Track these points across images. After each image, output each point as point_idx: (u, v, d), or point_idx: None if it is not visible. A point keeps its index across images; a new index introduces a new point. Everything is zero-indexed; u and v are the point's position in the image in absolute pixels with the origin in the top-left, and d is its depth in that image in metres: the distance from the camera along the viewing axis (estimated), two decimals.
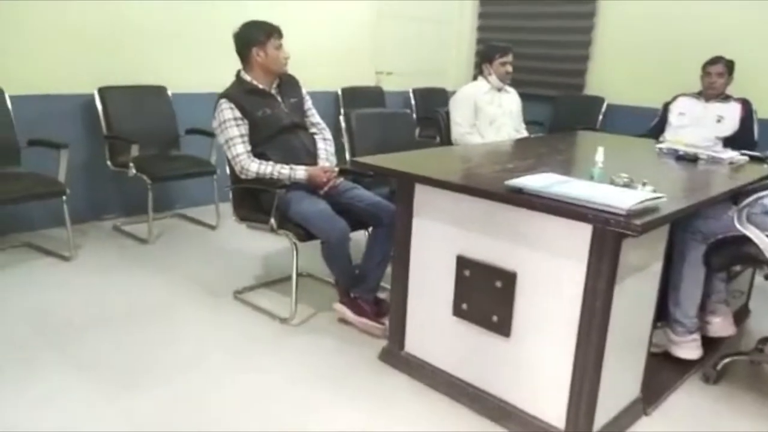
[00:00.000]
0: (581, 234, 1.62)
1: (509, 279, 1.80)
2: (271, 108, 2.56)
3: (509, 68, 3.51)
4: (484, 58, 3.59)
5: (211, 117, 2.54)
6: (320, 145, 2.73)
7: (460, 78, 5.93)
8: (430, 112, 5.40)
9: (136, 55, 3.77)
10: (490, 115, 3.49)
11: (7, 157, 3.14)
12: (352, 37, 4.99)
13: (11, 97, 3.19)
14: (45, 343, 2.28)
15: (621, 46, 5.00)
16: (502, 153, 2.73)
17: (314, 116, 2.78)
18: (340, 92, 4.93)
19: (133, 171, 3.41)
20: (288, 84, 2.67)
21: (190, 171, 3.68)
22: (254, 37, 2.52)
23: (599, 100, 5.10)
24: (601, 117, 5.06)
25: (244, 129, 2.51)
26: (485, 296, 1.88)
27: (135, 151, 3.37)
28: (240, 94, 2.52)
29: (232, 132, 2.49)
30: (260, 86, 2.57)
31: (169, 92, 3.87)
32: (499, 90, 3.58)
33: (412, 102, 5.41)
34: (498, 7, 5.74)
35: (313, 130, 2.77)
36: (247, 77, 2.57)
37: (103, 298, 2.71)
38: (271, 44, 2.52)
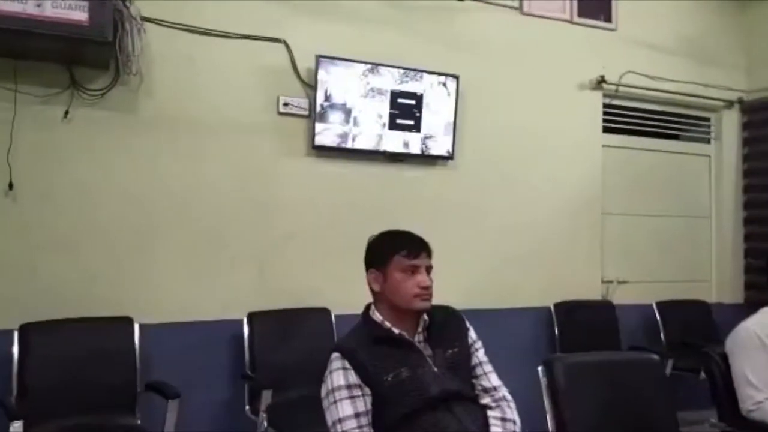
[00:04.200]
0: None
1: None
2: (410, 367, 1.57)
3: None
4: None
5: None
6: (495, 430, 1.60)
7: (725, 288, 4.37)
8: (687, 336, 3.96)
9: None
10: None
11: (122, 406, 2.55)
12: (571, 236, 3.89)
13: (143, 327, 2.72)
14: None
15: None
16: None
17: (486, 377, 1.70)
18: (552, 309, 3.77)
19: (264, 425, 2.59)
20: (444, 326, 1.69)
21: None
22: (372, 255, 1.68)
23: None
24: None
25: (364, 404, 1.54)
26: None
27: (268, 397, 2.58)
28: (364, 344, 1.60)
29: (344, 410, 1.52)
30: (395, 331, 1.63)
31: (333, 314, 3.16)
32: None
33: (658, 319, 3.98)
34: None
35: (485, 400, 1.67)
36: (377, 316, 1.66)
37: None
38: (395, 265, 1.63)
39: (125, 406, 2.56)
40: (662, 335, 3.95)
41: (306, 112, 3.20)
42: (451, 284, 3.34)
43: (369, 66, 3.24)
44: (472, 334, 1.73)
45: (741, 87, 4.38)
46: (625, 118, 4.16)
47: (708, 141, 4.50)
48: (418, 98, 3.36)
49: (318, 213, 3.24)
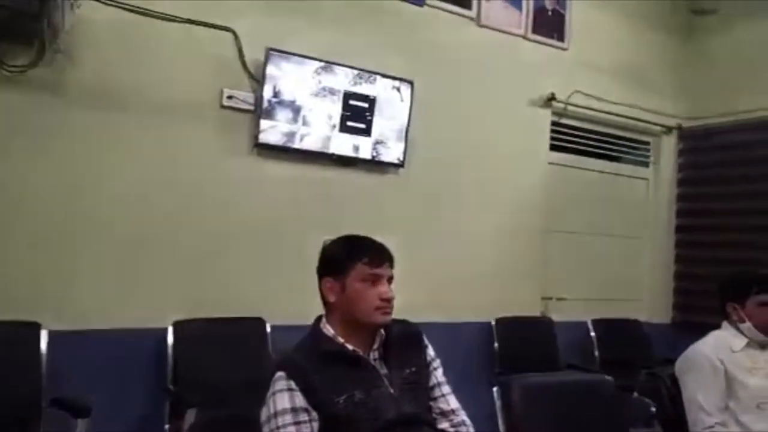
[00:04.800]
0: None
1: None
2: (365, 389, 1.42)
3: None
4: (729, 294, 2.23)
5: None
6: None
7: (656, 307, 4.48)
8: (620, 353, 4.02)
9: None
10: (753, 391, 2.03)
11: (22, 424, 2.24)
12: (515, 251, 3.85)
13: (52, 334, 2.41)
14: None
15: None
16: None
17: (445, 399, 1.57)
18: (493, 324, 3.70)
19: None
20: (401, 343, 1.55)
21: None
22: (329, 262, 1.52)
23: None
24: None
25: (311, 430, 1.37)
26: None
27: (192, 416, 2.35)
28: (312, 361, 1.43)
29: None
30: (349, 347, 1.47)
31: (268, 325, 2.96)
32: (764, 347, 2.14)
33: (592, 335, 4.00)
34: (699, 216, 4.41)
35: (443, 424, 1.54)
36: (329, 330, 1.50)
37: None
38: (355, 274, 1.48)
39: (26, 425, 2.25)
40: (596, 352, 3.98)
41: (251, 107, 3.00)
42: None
43: (322, 64, 3.08)
44: (431, 352, 1.60)
45: (680, 114, 4.52)
46: (572, 137, 4.19)
47: (647, 164, 4.62)
48: (371, 101, 3.24)
49: (258, 216, 3.03)
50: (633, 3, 4.32)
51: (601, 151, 4.37)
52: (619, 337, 4.07)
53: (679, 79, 4.53)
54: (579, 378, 1.92)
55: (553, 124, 4.04)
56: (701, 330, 4.33)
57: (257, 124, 2.96)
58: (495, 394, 1.81)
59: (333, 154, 3.16)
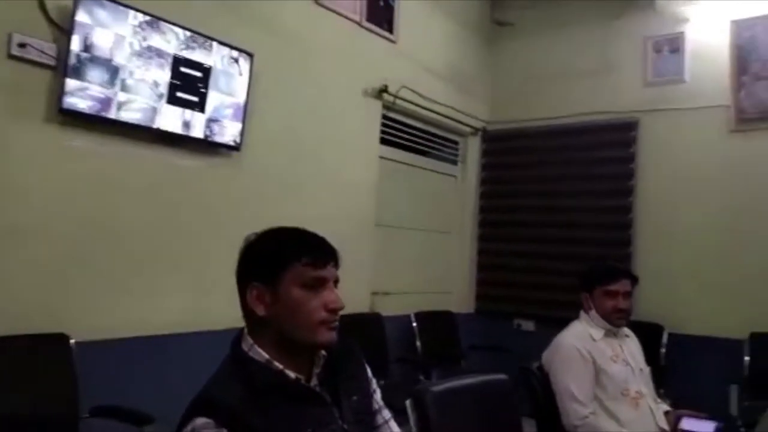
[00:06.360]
0: None
1: None
2: (317, 428, 1.10)
3: (622, 303, 2.28)
4: (583, 285, 2.36)
5: None
6: None
7: (464, 298, 4.75)
8: (440, 345, 4.15)
9: None
10: (616, 378, 2.17)
11: None
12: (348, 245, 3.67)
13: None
14: None
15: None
16: None
17: (388, 426, 1.32)
18: None
19: None
20: (343, 362, 1.26)
21: None
22: (256, 262, 1.18)
23: (656, 329, 3.94)
24: (663, 351, 3.88)
25: None
26: None
27: None
28: (246, 397, 1.07)
29: None
30: (290, 375, 1.14)
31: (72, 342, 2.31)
32: (616, 334, 2.31)
33: (414, 327, 4.05)
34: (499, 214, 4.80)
35: None
36: (260, 354, 1.15)
37: None
38: (292, 278, 1.16)
39: None
40: (418, 344, 4.04)
41: (53, 62, 2.32)
42: (219, 299, 2.83)
43: (148, 18, 2.52)
44: (369, 371, 1.33)
45: (485, 117, 4.84)
46: (398, 132, 4.18)
47: (456, 163, 4.85)
48: (206, 71, 2.76)
49: (58, 203, 2.36)
50: (452, 4, 4.49)
51: (422, 148, 4.46)
52: (437, 330, 4.20)
53: (486, 83, 4.85)
54: (480, 380, 1.83)
55: (384, 117, 3.98)
56: (501, 318, 4.74)
57: (61, 85, 2.29)
58: (408, 407, 1.62)
59: (159, 129, 2.62)
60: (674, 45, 4.18)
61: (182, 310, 2.74)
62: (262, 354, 1.14)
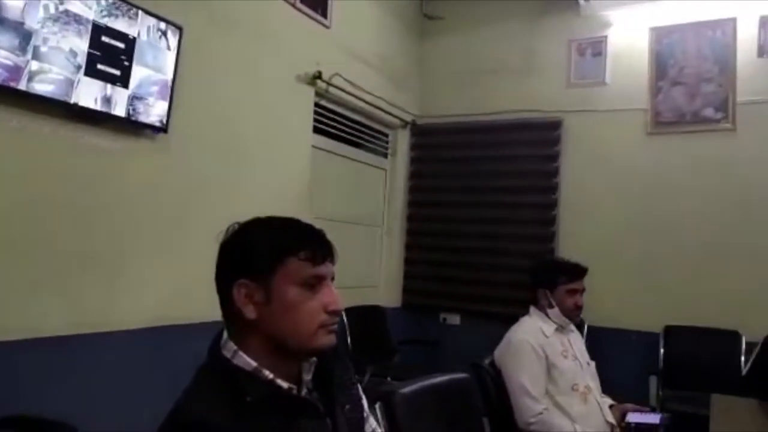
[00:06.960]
0: None
1: None
2: None
3: (580, 300, 2.30)
4: (540, 281, 2.35)
5: None
6: None
7: (391, 292, 4.69)
8: (370, 340, 4.06)
9: None
10: (567, 373, 2.17)
11: None
12: None
13: None
14: None
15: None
16: None
17: None
18: None
19: None
20: (332, 368, 1.11)
21: None
22: (244, 257, 1.02)
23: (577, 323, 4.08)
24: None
25: None
26: None
27: None
28: (232, 411, 0.91)
29: None
30: (282, 384, 1.00)
31: None
32: (564, 329, 2.32)
33: (345, 323, 3.93)
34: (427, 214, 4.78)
35: None
36: (247, 361, 0.99)
37: None
38: (287, 275, 1.01)
39: None
40: (348, 339, 3.93)
41: None
42: (143, 296, 2.60)
43: None
44: (360, 388, 1.20)
45: (414, 110, 4.79)
46: (330, 121, 4.03)
47: (386, 155, 4.77)
48: (130, 42, 2.48)
49: None
50: None
51: (354, 139, 4.34)
52: (367, 324, 4.11)
53: (416, 76, 4.81)
54: (446, 379, 1.75)
55: (316, 105, 3.81)
56: (427, 312, 4.72)
57: None
58: (376, 411, 1.51)
59: (76, 105, 2.32)
60: (597, 48, 4.34)
61: (98, 310, 2.45)
62: (248, 362, 0.98)
